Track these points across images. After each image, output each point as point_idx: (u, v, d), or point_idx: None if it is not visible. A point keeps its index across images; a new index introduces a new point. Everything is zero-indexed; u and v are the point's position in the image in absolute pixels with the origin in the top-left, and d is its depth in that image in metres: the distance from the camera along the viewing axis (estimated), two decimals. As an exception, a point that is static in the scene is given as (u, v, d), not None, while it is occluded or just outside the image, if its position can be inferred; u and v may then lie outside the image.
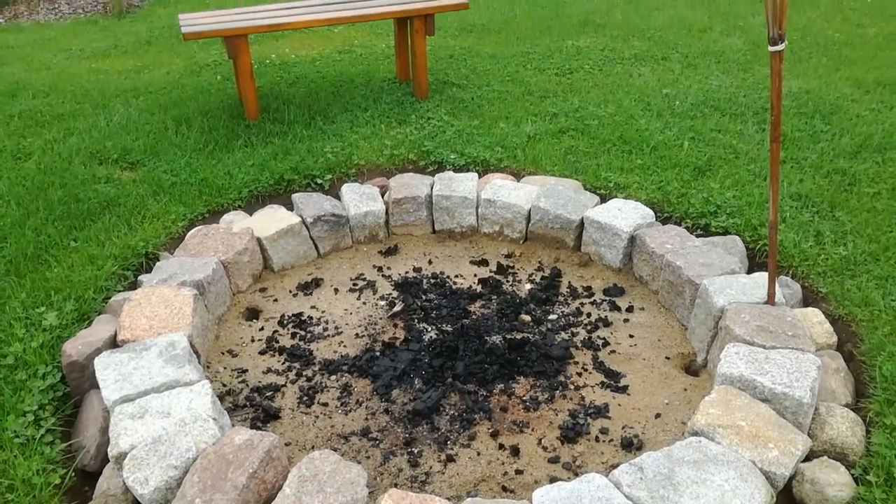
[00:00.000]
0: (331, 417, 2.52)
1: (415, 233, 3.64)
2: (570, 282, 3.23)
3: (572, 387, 2.61)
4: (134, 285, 3.10)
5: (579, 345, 2.83)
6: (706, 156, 3.89)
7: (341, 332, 2.95)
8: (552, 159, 3.95)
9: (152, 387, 2.30)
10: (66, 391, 2.51)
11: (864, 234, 3.14)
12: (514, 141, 4.17)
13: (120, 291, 3.02)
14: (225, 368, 2.76)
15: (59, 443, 2.32)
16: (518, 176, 3.86)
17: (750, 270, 3.06)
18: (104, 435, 2.30)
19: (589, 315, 3.01)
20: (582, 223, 3.34)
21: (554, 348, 2.78)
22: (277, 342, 2.90)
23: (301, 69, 5.66)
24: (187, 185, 3.78)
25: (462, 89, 5.06)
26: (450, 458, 2.32)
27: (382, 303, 3.13)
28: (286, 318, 3.04)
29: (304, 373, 2.74)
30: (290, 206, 3.59)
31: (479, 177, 3.83)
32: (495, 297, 3.14)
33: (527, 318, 2.99)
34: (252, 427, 2.47)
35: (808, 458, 2.14)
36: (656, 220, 3.32)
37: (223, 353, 2.84)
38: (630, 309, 3.03)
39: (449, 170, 3.95)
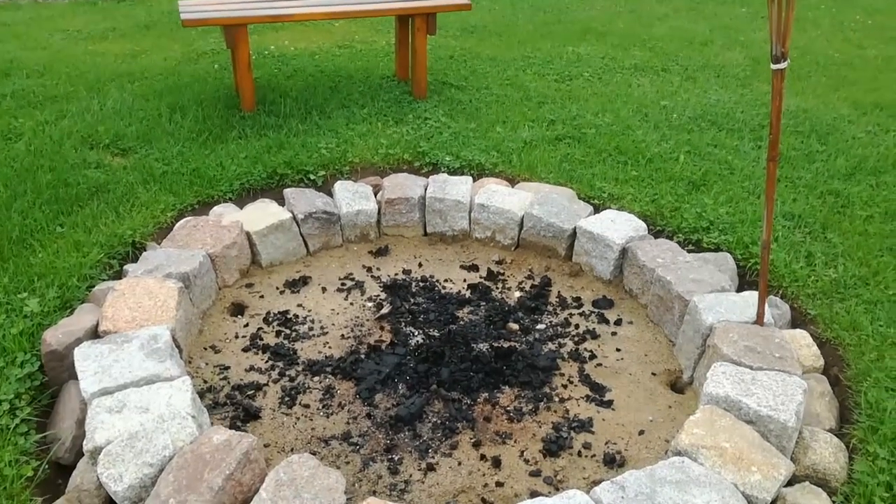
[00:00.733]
0: (312, 420, 2.49)
1: (406, 234, 3.61)
2: (559, 291, 3.21)
3: (557, 399, 2.59)
4: (119, 274, 3.06)
5: (566, 356, 2.81)
6: (701, 170, 3.88)
7: (327, 333, 2.92)
8: (547, 166, 3.93)
9: (132, 380, 2.26)
10: (43, 381, 2.47)
11: (855, 257, 3.14)
12: (510, 146, 4.15)
13: (104, 280, 2.98)
14: (207, 364, 2.73)
15: (33, 434, 2.28)
16: (512, 181, 3.84)
17: (740, 288, 3.05)
18: (80, 427, 2.26)
19: (577, 326, 2.99)
20: (574, 233, 3.32)
21: (540, 359, 2.76)
22: (262, 340, 2.87)
23: (299, 62, 5.62)
24: (178, 175, 3.74)
25: (461, 91, 5.04)
26: (430, 467, 2.29)
27: (370, 304, 3.10)
28: (272, 315, 3.01)
29: (288, 372, 2.70)
30: (281, 201, 3.55)
31: (474, 181, 3.81)
32: (484, 303, 3.12)
33: (515, 326, 2.97)
34: (231, 426, 2.43)
35: (790, 483, 2.13)
36: (649, 233, 3.31)
37: (206, 349, 2.80)
38: (618, 322, 3.02)
39: (444, 172, 3.93)
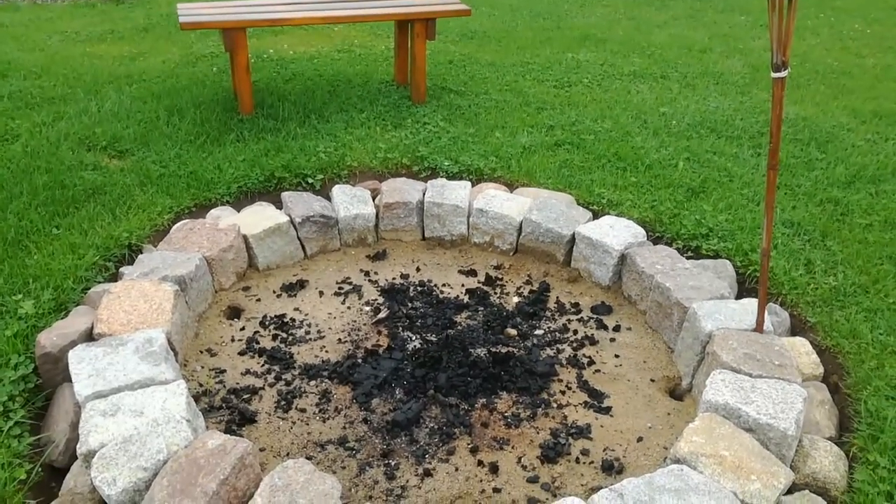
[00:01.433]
0: (308, 424, 2.47)
1: (404, 238, 3.60)
2: (558, 297, 3.20)
3: (555, 405, 2.58)
4: (115, 277, 3.04)
5: (564, 362, 2.80)
6: (700, 177, 3.87)
7: (324, 337, 2.90)
8: (546, 172, 3.92)
9: (126, 384, 2.24)
10: (38, 383, 2.44)
11: (854, 265, 3.13)
12: (509, 151, 4.14)
13: (100, 283, 2.96)
14: (203, 368, 2.71)
15: (27, 436, 2.26)
16: (511, 187, 3.82)
17: (739, 295, 3.04)
18: (74, 430, 2.24)
19: (575, 332, 2.98)
20: (573, 238, 3.31)
21: (539, 364, 2.75)
22: (258, 343, 2.85)
23: (298, 66, 5.61)
24: (175, 178, 3.72)
25: (459, 96, 5.03)
26: (427, 473, 2.27)
27: (367, 308, 3.08)
28: (268, 318, 2.99)
29: (284, 376, 2.68)
30: (279, 205, 3.54)
31: (472, 185, 3.80)
32: (482, 308, 3.10)
33: (513, 331, 2.95)
34: (227, 430, 2.41)
35: (789, 491, 2.11)
36: (647, 239, 3.30)
37: (202, 352, 2.78)
38: (617, 328, 3.00)
39: (442, 177, 3.92)
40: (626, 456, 2.36)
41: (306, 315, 3.03)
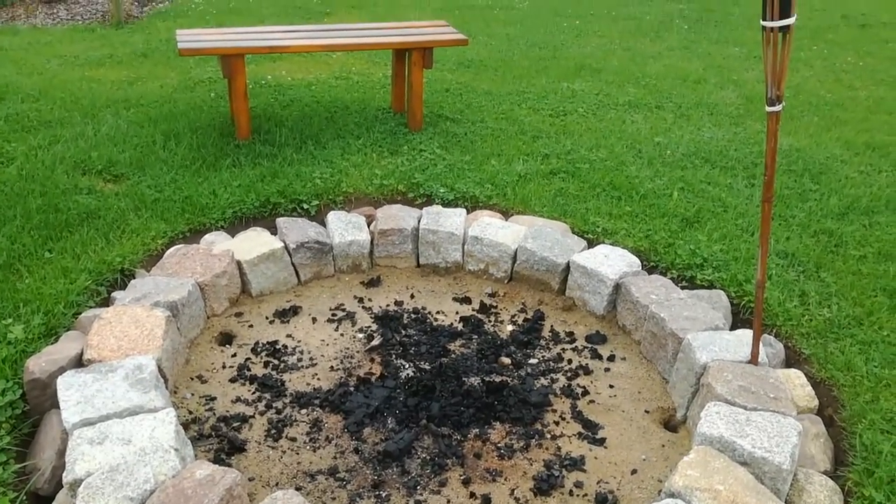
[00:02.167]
0: (298, 453, 2.44)
1: (399, 265, 3.59)
2: (552, 326, 3.18)
3: (549, 436, 2.55)
4: (107, 302, 3.02)
5: (558, 392, 2.78)
6: (695, 207, 3.89)
7: (316, 364, 2.88)
8: (541, 200, 3.93)
9: (115, 411, 2.21)
10: (25, 409, 2.41)
11: (848, 296, 3.13)
12: (505, 179, 4.15)
13: (91, 307, 2.94)
14: (193, 395, 2.68)
15: (13, 463, 2.22)
16: (506, 214, 3.83)
17: (733, 326, 3.03)
18: (61, 458, 2.20)
19: (570, 361, 2.96)
20: (568, 267, 3.30)
21: (533, 394, 2.73)
22: (249, 370, 2.82)
23: (296, 92, 5.65)
24: (170, 202, 3.72)
25: (456, 123, 5.06)
26: (418, 504, 2.24)
27: (361, 335, 3.07)
28: (260, 345, 2.96)
29: (275, 404, 2.66)
30: (273, 230, 3.53)
31: (468, 213, 3.80)
32: (476, 336, 3.08)
33: (507, 360, 2.93)
34: (216, 459, 2.38)
35: (785, 527, 2.09)
36: (642, 268, 3.30)
37: (192, 379, 2.75)
38: (612, 358, 2.99)
39: (437, 204, 3.92)
40: (621, 489, 2.34)
41: (299, 342, 3.01)
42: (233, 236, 3.50)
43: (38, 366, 2.41)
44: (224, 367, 2.84)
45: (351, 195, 3.95)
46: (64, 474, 2.02)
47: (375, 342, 3.00)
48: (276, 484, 2.31)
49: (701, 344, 2.65)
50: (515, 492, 2.31)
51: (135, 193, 3.80)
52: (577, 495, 2.30)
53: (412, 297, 3.37)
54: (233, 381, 2.76)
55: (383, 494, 2.28)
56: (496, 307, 3.31)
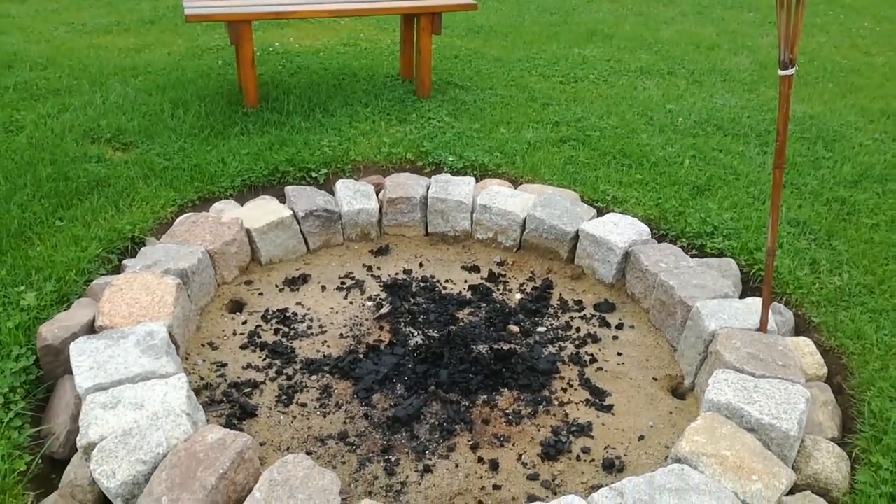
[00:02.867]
0: (308, 419, 2.47)
1: (407, 234, 3.59)
2: (561, 294, 3.18)
3: (556, 402, 2.57)
4: (118, 269, 3.04)
5: (566, 360, 2.78)
6: (706, 175, 3.85)
7: (325, 332, 2.90)
8: (551, 168, 3.91)
9: (127, 377, 2.24)
10: (39, 375, 2.44)
11: (860, 265, 3.11)
12: (514, 147, 4.12)
13: (103, 275, 2.96)
14: (204, 361, 2.70)
15: (27, 428, 2.26)
16: (515, 183, 3.81)
17: (743, 295, 3.02)
18: (75, 423, 2.24)
19: (578, 330, 2.96)
20: (577, 235, 3.29)
21: (541, 362, 2.74)
22: (260, 337, 2.85)
23: (304, 59, 5.60)
24: (179, 170, 3.72)
25: (465, 91, 5.01)
26: (427, 469, 2.27)
27: (370, 304, 3.08)
28: (270, 313, 2.98)
29: (285, 371, 2.68)
30: (282, 199, 3.53)
31: (476, 181, 3.79)
32: (484, 305, 3.09)
33: (515, 328, 2.94)
34: (227, 424, 2.41)
35: (791, 492, 2.10)
36: (652, 237, 3.28)
37: (203, 346, 2.78)
38: (620, 326, 2.99)
39: (446, 172, 3.91)
40: (628, 454, 2.35)
41: (308, 309, 3.02)
42: (242, 204, 3.51)
43: (50, 332, 2.43)
44: (234, 334, 2.86)
45: (359, 163, 3.93)
46: (78, 438, 2.06)
47: (384, 310, 3.01)
48: (287, 448, 2.34)
49: (710, 312, 2.64)
50: (523, 457, 2.33)
51: (144, 161, 3.80)
52: (585, 460, 2.32)
53: (421, 265, 3.37)
54: (243, 347, 2.79)
55: (393, 459, 2.31)
56: (505, 276, 3.31)
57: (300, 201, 3.38)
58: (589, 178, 3.81)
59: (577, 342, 2.89)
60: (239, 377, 2.64)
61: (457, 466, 2.29)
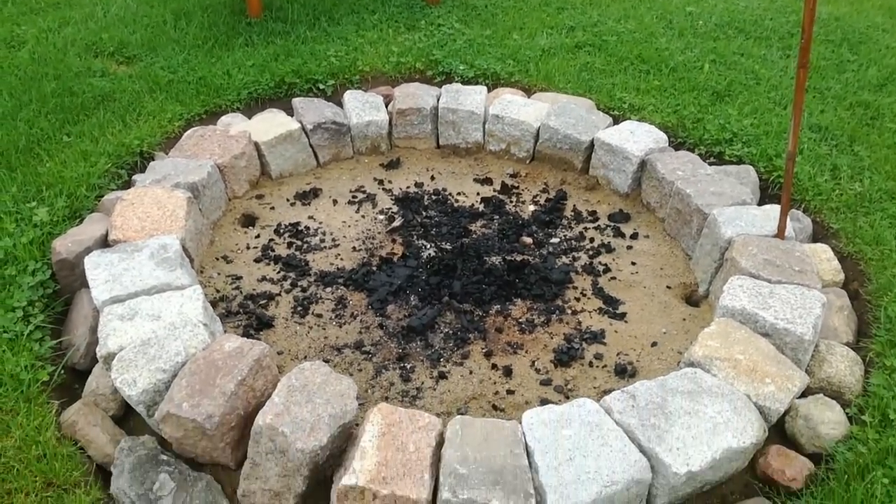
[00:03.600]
0: (324, 329, 2.49)
1: (418, 146, 3.52)
2: (575, 205, 3.14)
3: (569, 311, 2.57)
4: (128, 185, 3.02)
5: (579, 270, 2.77)
6: (726, 80, 3.72)
7: (338, 245, 2.89)
8: (566, 76, 3.79)
9: (143, 289, 2.25)
10: (56, 289, 2.47)
11: (882, 170, 3.03)
12: (527, 54, 3.99)
13: (113, 190, 2.95)
14: (219, 274, 2.72)
15: (48, 340, 2.30)
16: (529, 92, 3.71)
17: (761, 202, 2.97)
18: (94, 334, 2.27)
19: (592, 240, 2.94)
20: (592, 145, 3.22)
21: (554, 272, 2.73)
22: (273, 251, 2.85)
23: (308, -33, 5.37)
24: (185, 84, 3.64)
25: (476, -4, 4.81)
26: (442, 375, 2.30)
27: (381, 217, 3.06)
28: (283, 226, 2.97)
29: (300, 283, 2.69)
30: (290, 111, 3.46)
31: (489, 91, 3.68)
32: (497, 217, 3.06)
33: (528, 240, 2.92)
34: (245, 335, 2.44)
35: (803, 395, 2.12)
36: (669, 145, 3.20)
37: (217, 259, 2.79)
38: (634, 236, 2.96)
39: (457, 81, 3.80)
40: (640, 360, 2.37)
41: (321, 223, 3.01)
42: (249, 118, 3.44)
43: (64, 247, 2.44)
44: (248, 247, 2.86)
45: (367, 74, 3.83)
46: (97, 349, 2.09)
47: (396, 223, 2.99)
48: (305, 357, 2.38)
49: (727, 219, 2.60)
50: (536, 363, 2.35)
51: (148, 75, 3.72)
52: (597, 366, 2.35)
53: (432, 178, 3.33)
54: (257, 261, 2.79)
55: (408, 366, 2.34)
56: (518, 187, 3.26)
57: (308, 114, 3.31)
58: (605, 86, 3.69)
59: (590, 252, 2.87)
60: (254, 289, 2.66)
61: (471, 373, 2.32)
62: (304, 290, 2.66)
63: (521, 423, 1.91)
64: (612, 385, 2.27)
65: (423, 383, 2.28)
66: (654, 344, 2.44)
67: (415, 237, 2.93)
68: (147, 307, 2.19)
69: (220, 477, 1.99)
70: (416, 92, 3.51)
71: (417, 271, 2.73)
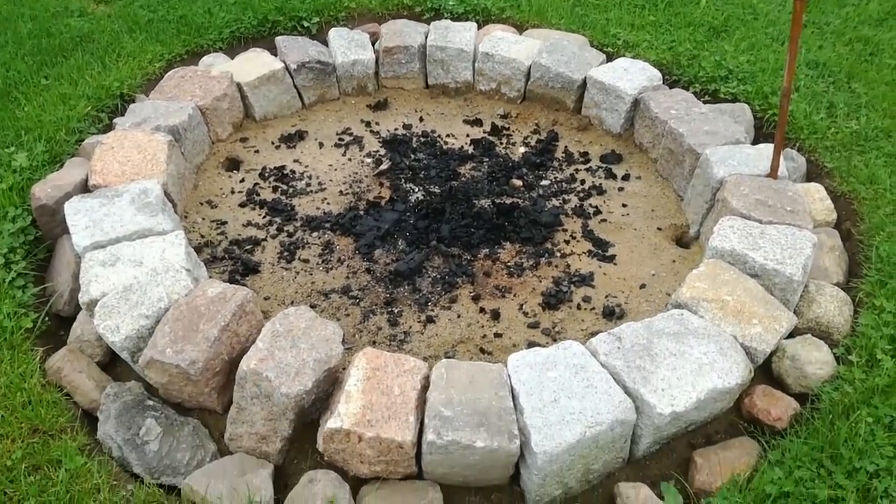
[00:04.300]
0: (311, 274, 2.47)
1: (406, 86, 3.44)
2: (566, 146, 3.08)
3: (558, 254, 2.55)
4: (109, 128, 2.95)
5: (570, 212, 2.74)
6: (723, 15, 3.61)
7: (325, 189, 2.85)
8: (559, 11, 3.67)
9: (124, 234, 2.22)
10: (37, 235, 2.43)
11: (879, 108, 2.97)
12: (519, -10, 3.86)
13: (93, 134, 2.88)
14: (203, 219, 2.68)
15: (31, 287, 2.27)
16: (520, 28, 3.60)
17: (756, 141, 2.92)
18: (77, 281, 2.24)
19: (583, 182, 2.89)
20: (584, 83, 3.14)
21: (543, 215, 2.69)
22: (258, 195, 2.80)
23: None
24: (165, 23, 3.52)
25: (466, -71, 4.63)
26: (429, 320, 2.29)
27: (369, 160, 3.00)
28: (268, 170, 2.92)
29: (286, 228, 2.66)
30: (274, 51, 3.36)
31: (479, 27, 3.57)
32: (487, 159, 3.01)
33: (518, 182, 2.87)
34: (231, 280, 2.42)
35: (791, 335, 2.11)
36: (664, 83, 3.12)
37: (202, 204, 2.74)
38: (626, 177, 2.91)
39: (446, 18, 3.68)
40: (628, 302, 2.36)
41: (306, 167, 2.96)
42: (232, 58, 3.34)
43: (44, 192, 2.39)
44: (233, 192, 2.82)
45: (353, 10, 3.71)
46: (80, 295, 2.07)
47: (384, 166, 2.94)
48: (291, 302, 2.36)
49: (719, 158, 2.55)
50: (524, 306, 2.34)
51: (127, 14, 3.59)
52: (585, 309, 2.33)
53: (421, 119, 3.26)
54: (242, 205, 2.75)
55: (395, 311, 2.33)
56: (508, 129, 3.20)
57: (292, 53, 3.22)
58: (599, 21, 3.58)
59: (581, 195, 2.83)
60: (240, 234, 2.62)
61: (458, 317, 2.31)
62: (290, 234, 2.63)
63: (506, 365, 1.91)
64: (599, 328, 2.27)
65: (410, 327, 2.27)
66: (642, 286, 2.42)
67: (403, 181, 2.88)
68: (129, 253, 2.16)
69: (207, 421, 2.00)
70: (403, 29, 3.40)
71: (405, 215, 2.69)
